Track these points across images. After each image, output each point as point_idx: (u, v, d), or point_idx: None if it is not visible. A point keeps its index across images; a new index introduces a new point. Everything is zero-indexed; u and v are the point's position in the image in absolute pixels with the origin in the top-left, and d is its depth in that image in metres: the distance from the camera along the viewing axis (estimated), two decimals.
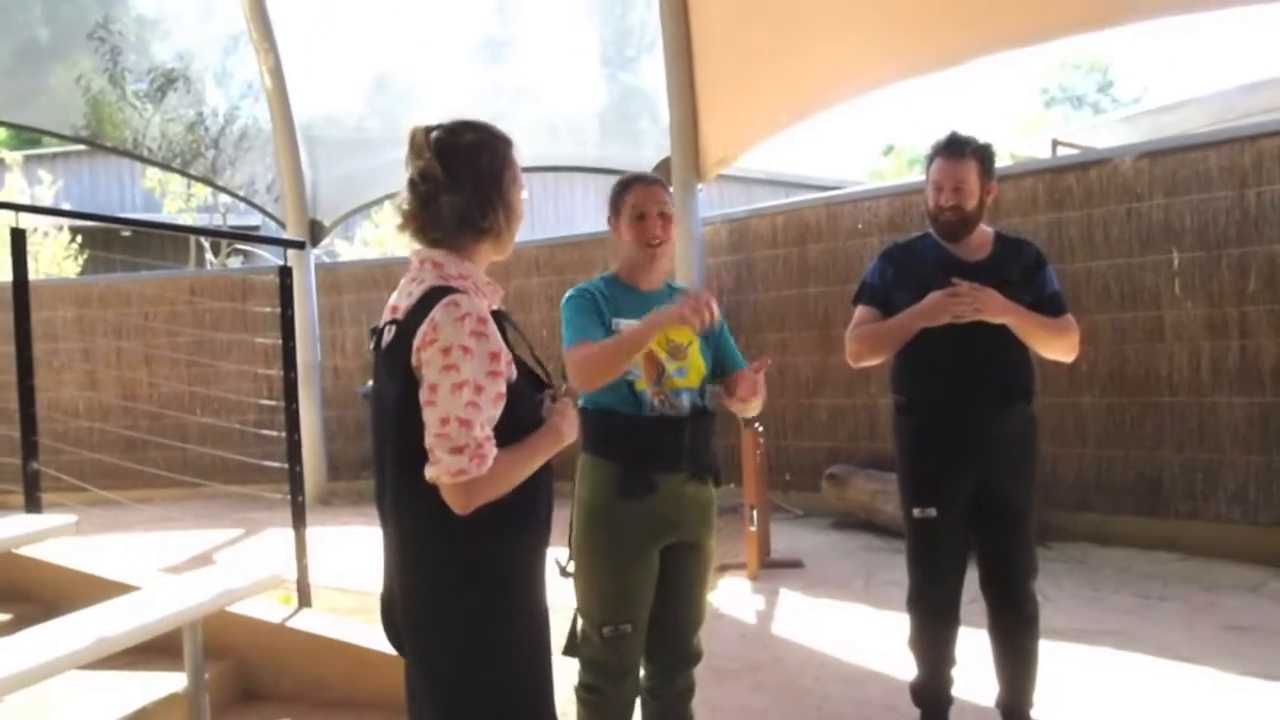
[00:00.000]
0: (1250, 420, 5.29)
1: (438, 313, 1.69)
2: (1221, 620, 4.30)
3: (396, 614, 1.85)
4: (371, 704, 3.31)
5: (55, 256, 15.58)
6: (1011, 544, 2.95)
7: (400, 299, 1.82)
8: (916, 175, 10.07)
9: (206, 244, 17.01)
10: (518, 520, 1.81)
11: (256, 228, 14.77)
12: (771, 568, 5.49)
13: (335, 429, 9.13)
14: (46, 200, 16.21)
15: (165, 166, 9.84)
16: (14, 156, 16.80)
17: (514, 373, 1.78)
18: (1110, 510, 5.75)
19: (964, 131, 2.96)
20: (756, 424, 5.59)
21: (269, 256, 13.48)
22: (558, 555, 2.05)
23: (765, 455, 5.83)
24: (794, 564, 5.58)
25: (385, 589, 1.89)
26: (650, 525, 2.46)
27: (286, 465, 4.10)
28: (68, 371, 9.24)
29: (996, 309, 2.80)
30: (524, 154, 1.91)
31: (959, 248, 2.97)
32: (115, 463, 7.42)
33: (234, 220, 17.22)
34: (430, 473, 1.68)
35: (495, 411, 1.72)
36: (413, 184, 1.82)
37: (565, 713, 2.20)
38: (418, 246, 1.86)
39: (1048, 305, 2.94)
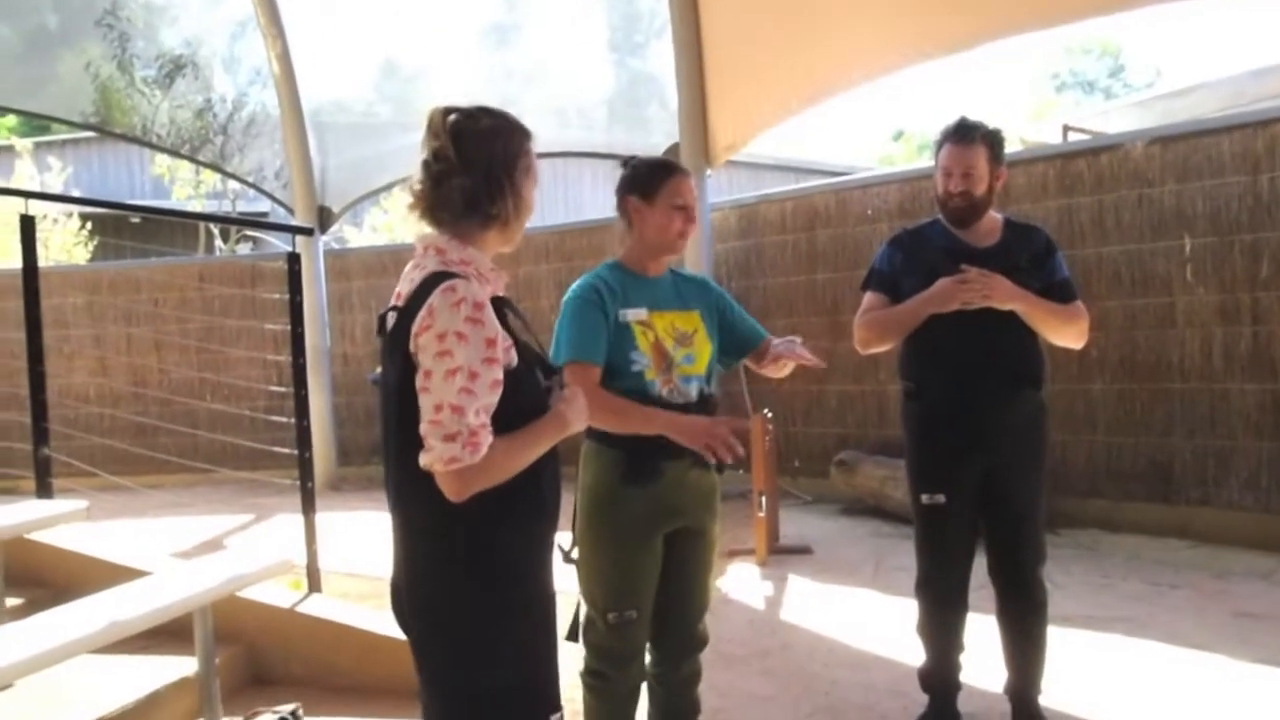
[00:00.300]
0: (1262, 407, 5.27)
1: (435, 298, 1.68)
2: (1232, 607, 4.29)
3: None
4: (382, 689, 3.33)
5: (65, 243, 15.63)
6: (1020, 530, 2.94)
7: (404, 285, 1.82)
8: (926, 161, 10.05)
9: (216, 230, 17.06)
10: (521, 507, 1.79)
11: (265, 214, 14.82)
12: (780, 554, 5.49)
13: (345, 415, 9.18)
14: (56, 187, 16.28)
15: (174, 153, 9.85)
16: (23, 143, 16.82)
17: (514, 359, 1.75)
18: (1120, 497, 5.74)
19: (973, 117, 2.94)
20: (765, 410, 5.58)
21: (278, 243, 13.50)
22: (561, 541, 2.05)
23: (774, 441, 5.83)
24: (803, 550, 5.59)
25: (394, 574, 1.89)
26: (654, 511, 2.46)
27: (296, 451, 4.12)
28: (78, 358, 9.29)
29: (1005, 295, 2.79)
30: (535, 142, 1.90)
31: (968, 234, 2.96)
32: (126, 448, 7.48)
33: (243, 207, 17.27)
34: (424, 460, 1.67)
35: (492, 398, 1.69)
36: (426, 164, 1.81)
37: (571, 698, 2.20)
38: (426, 231, 1.85)
39: (1057, 292, 2.92)
